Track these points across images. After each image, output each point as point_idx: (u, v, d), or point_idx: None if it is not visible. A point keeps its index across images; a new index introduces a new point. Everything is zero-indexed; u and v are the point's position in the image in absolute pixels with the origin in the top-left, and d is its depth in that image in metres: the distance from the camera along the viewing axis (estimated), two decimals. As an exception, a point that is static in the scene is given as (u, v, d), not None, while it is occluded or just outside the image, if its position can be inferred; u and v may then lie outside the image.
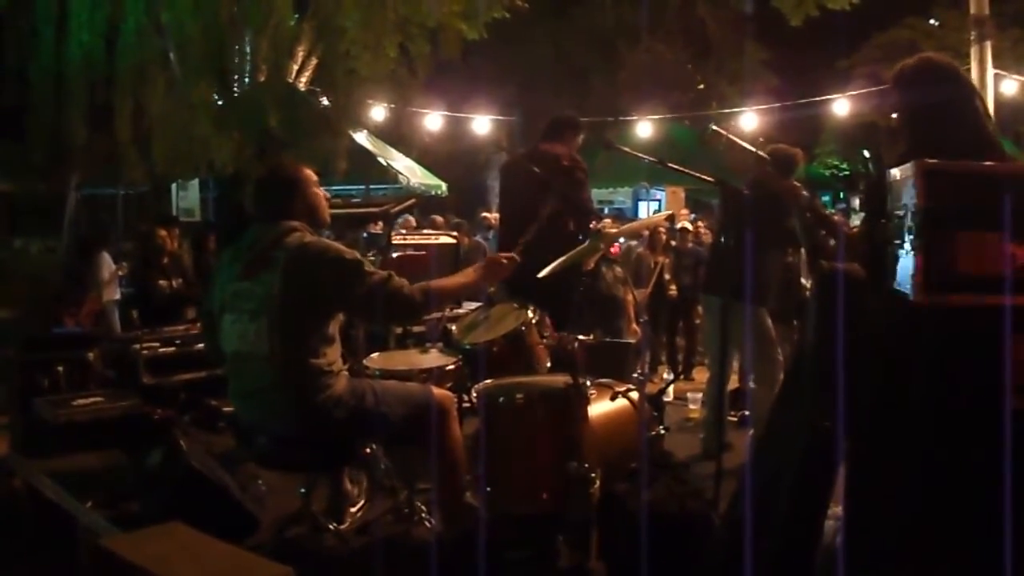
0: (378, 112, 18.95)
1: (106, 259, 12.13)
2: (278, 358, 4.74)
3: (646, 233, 11.98)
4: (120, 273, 12.08)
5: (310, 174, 5.18)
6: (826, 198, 35.13)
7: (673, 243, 12.16)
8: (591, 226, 7.16)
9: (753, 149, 6.56)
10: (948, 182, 3.36)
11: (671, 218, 12.80)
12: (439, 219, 15.95)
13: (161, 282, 10.06)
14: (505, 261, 5.33)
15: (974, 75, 14.69)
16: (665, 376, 10.88)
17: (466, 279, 5.31)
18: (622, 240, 12.41)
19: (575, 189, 7.37)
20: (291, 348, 4.75)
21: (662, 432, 6.05)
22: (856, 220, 19.57)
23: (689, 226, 12.79)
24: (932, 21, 28.96)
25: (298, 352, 4.76)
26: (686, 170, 6.23)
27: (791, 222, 7.09)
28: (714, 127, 6.34)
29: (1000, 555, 3.20)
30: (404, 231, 11.95)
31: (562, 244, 6.48)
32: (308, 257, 4.78)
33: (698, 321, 11.67)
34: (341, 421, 4.84)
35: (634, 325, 10.28)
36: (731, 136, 6.32)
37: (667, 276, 11.67)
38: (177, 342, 8.38)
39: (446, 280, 5.23)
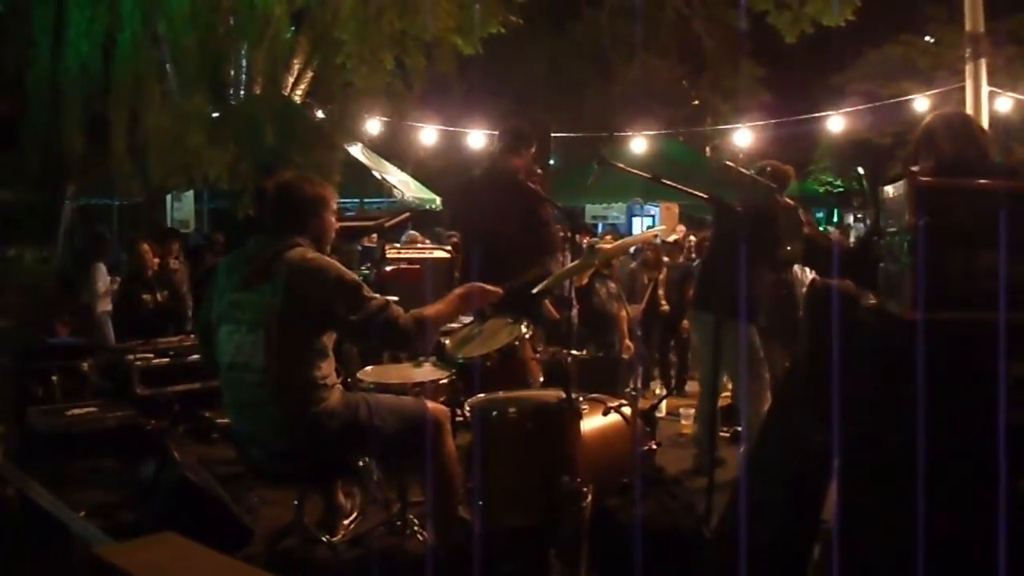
0: (373, 125, 18.96)
1: (102, 270, 12.13)
2: (273, 370, 4.74)
3: (641, 246, 12.00)
4: (115, 287, 12.08)
5: (331, 196, 5.20)
6: (820, 214, 35.22)
7: (666, 259, 12.17)
8: (583, 242, 7.19)
9: (762, 180, 6.60)
10: (940, 199, 3.38)
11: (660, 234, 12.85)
12: (415, 234, 15.99)
13: (145, 296, 10.06)
14: (489, 290, 5.37)
15: (969, 92, 14.74)
16: (657, 391, 10.88)
17: (452, 306, 5.30)
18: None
19: (532, 205, 7.37)
20: (287, 361, 4.75)
21: (654, 447, 6.06)
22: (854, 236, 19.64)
23: (686, 237, 12.82)
24: (927, 38, 29.04)
25: (293, 365, 4.76)
26: (680, 186, 6.26)
27: (783, 243, 7.12)
28: (726, 162, 6.39)
29: (995, 571, 3.21)
30: (398, 245, 11.97)
31: (524, 260, 6.58)
32: (309, 274, 4.77)
33: (685, 336, 11.65)
34: (334, 434, 4.84)
35: (627, 341, 10.30)
36: (741, 169, 6.35)
37: (660, 292, 11.67)
38: (171, 353, 8.39)
39: (436, 308, 5.20)
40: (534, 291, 5.88)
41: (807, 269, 9.35)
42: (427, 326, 5.03)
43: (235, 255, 5.11)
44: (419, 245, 12.71)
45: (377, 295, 4.91)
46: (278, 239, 4.90)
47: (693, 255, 13.32)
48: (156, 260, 10.78)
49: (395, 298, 5.05)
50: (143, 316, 9.97)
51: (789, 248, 7.04)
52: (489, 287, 5.40)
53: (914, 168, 4.56)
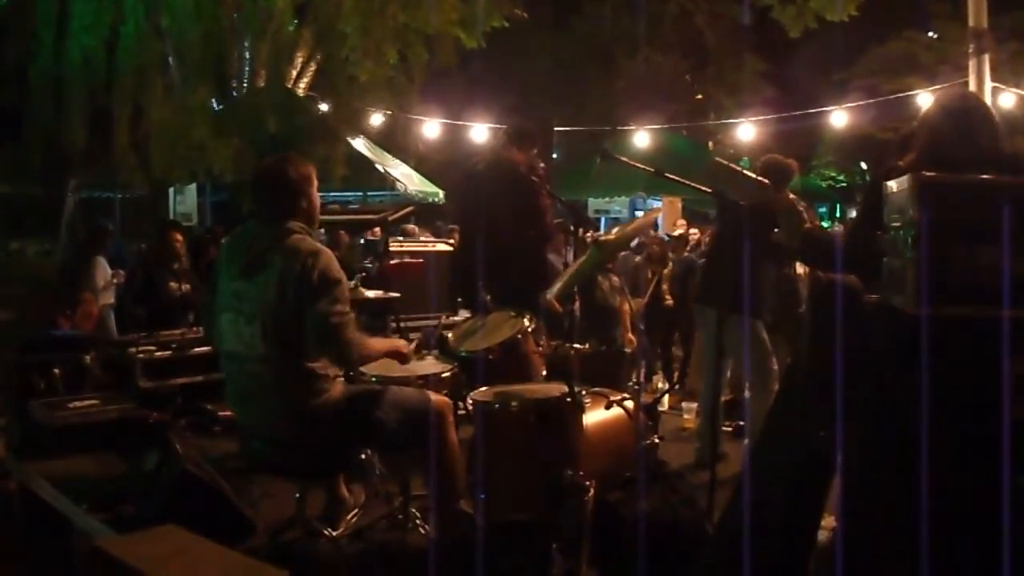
0: (376, 119, 18.94)
1: (102, 263, 12.13)
2: (272, 360, 4.74)
3: (644, 240, 12.02)
4: (116, 281, 12.07)
5: (313, 172, 5.18)
6: (823, 209, 35.21)
7: (671, 253, 12.15)
8: (586, 236, 7.18)
9: (754, 176, 6.56)
10: (945, 195, 3.38)
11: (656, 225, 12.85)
12: (412, 227, 15.99)
13: (171, 284, 10.05)
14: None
15: (972, 88, 14.70)
16: (660, 386, 10.87)
17: (381, 347, 5.35)
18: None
19: (531, 196, 7.36)
20: (285, 351, 4.74)
21: (657, 441, 6.06)
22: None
23: (698, 233, 12.82)
24: (931, 34, 28.99)
25: (292, 355, 4.75)
26: (683, 180, 6.24)
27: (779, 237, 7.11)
28: (717, 159, 6.37)
29: (998, 567, 3.21)
30: (400, 238, 11.96)
31: (524, 251, 6.57)
32: (298, 258, 4.75)
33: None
34: (336, 425, 4.84)
35: (630, 334, 10.28)
36: (732, 165, 6.33)
37: (664, 286, 11.65)
38: (174, 346, 8.39)
39: (375, 346, 5.26)
40: (549, 295, 5.89)
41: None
42: (365, 358, 5.10)
43: (235, 240, 5.11)
44: (414, 239, 12.71)
45: (348, 309, 4.88)
46: (272, 225, 4.89)
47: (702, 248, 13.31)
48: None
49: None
50: (168, 304, 9.95)
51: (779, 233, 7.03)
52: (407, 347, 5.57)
53: (900, 163, 4.56)
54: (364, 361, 5.24)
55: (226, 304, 4.92)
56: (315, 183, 5.16)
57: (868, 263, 3.90)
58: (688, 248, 12.95)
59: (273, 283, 4.71)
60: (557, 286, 5.88)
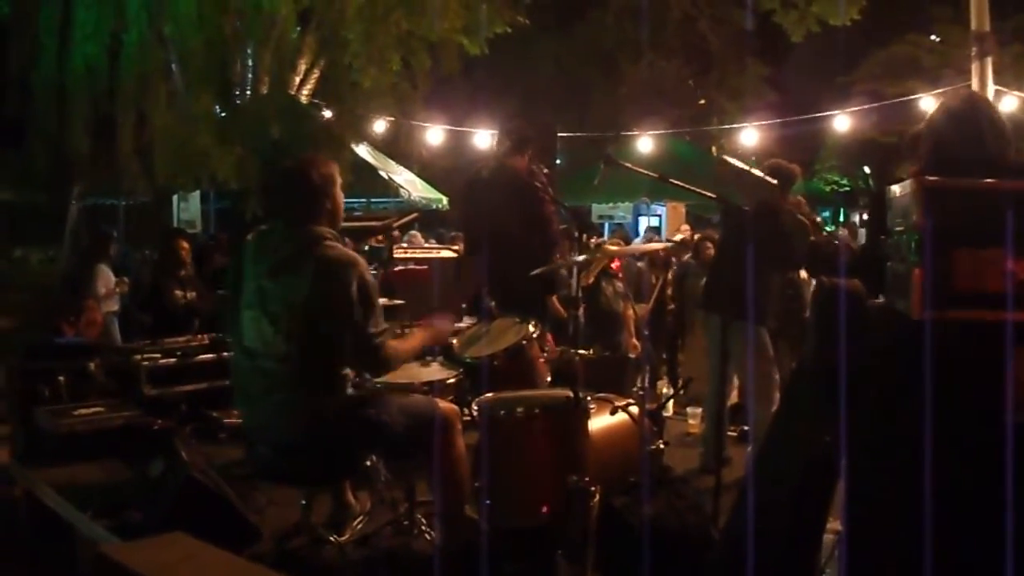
0: (379, 125, 18.92)
1: (104, 271, 12.11)
2: (292, 360, 4.75)
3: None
4: (118, 290, 12.06)
5: (336, 171, 5.18)
6: (826, 213, 35.21)
7: (674, 259, 12.15)
8: (589, 242, 7.21)
9: (761, 175, 6.54)
10: (947, 199, 3.38)
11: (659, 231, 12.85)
12: (416, 235, 16.04)
13: (177, 292, 10.08)
14: (448, 322, 5.60)
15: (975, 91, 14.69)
16: (664, 391, 10.86)
17: (417, 343, 5.37)
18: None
19: (536, 203, 7.40)
20: (306, 354, 4.76)
21: (661, 446, 6.06)
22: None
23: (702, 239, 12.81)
24: (933, 37, 28.97)
25: (312, 358, 4.78)
26: (687, 186, 6.25)
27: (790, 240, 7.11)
28: (724, 157, 6.38)
29: (1002, 572, 3.21)
30: (405, 245, 11.96)
31: (529, 258, 6.58)
32: (335, 270, 4.76)
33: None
34: (344, 430, 4.86)
35: (634, 340, 10.29)
36: (739, 164, 6.33)
37: (668, 291, 11.65)
38: (178, 353, 8.38)
39: (408, 346, 5.28)
40: (532, 272, 5.91)
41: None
42: (398, 364, 5.11)
43: (261, 240, 5.06)
44: (423, 246, 12.71)
45: (385, 325, 4.93)
46: (301, 229, 4.89)
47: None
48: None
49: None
50: (173, 311, 9.97)
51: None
52: (447, 318, 5.49)
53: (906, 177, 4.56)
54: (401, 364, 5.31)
55: (249, 301, 4.91)
56: (338, 182, 5.16)
57: (873, 268, 3.91)
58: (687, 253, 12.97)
59: (303, 288, 4.73)
60: (542, 269, 5.95)
